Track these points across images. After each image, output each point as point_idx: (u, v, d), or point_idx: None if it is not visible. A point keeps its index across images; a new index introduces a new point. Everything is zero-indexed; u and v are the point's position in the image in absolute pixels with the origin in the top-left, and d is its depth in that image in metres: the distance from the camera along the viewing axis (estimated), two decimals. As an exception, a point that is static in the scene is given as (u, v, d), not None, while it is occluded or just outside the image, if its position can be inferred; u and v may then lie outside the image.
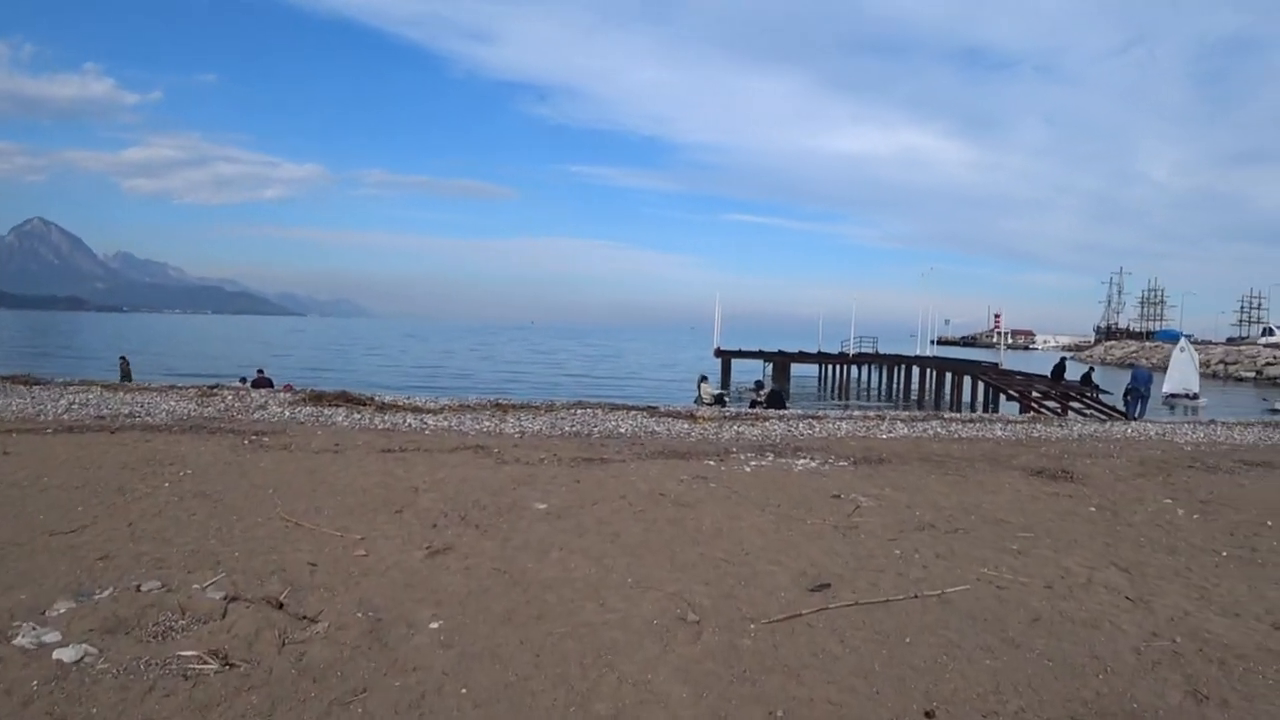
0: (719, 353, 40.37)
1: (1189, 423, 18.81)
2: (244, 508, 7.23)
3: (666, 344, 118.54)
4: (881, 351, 46.07)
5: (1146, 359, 66.57)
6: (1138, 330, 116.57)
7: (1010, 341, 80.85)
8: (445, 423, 13.81)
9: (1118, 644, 4.80)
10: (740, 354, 41.46)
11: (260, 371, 23.33)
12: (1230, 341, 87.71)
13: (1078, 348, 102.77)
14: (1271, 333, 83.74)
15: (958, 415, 18.88)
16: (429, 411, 14.99)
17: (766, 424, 15.04)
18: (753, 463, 10.62)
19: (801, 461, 10.81)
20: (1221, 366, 61.63)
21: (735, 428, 14.41)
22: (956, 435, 14.50)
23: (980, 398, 32.60)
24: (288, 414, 14.11)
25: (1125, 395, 24.95)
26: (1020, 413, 22.89)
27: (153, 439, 10.80)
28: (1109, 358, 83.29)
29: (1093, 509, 8.50)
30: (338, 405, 15.21)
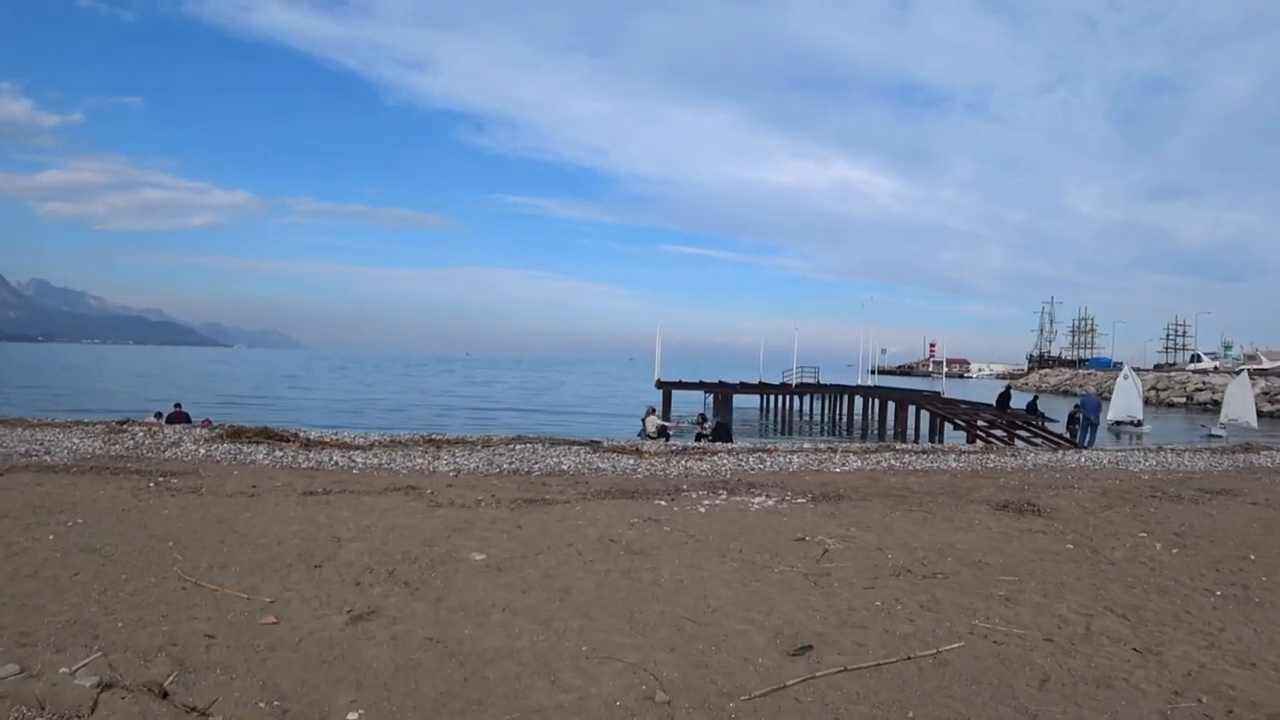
0: (660, 384, 39.69)
1: (1139, 450, 18.72)
2: (137, 565, 6.30)
3: (606, 375, 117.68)
4: (822, 382, 45.97)
5: (1080, 386, 68.20)
6: (1070, 358, 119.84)
7: (946, 370, 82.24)
8: (375, 460, 12.87)
9: (1140, 708, 4.26)
10: (681, 385, 40.87)
11: (177, 405, 21.85)
12: (1159, 368, 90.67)
13: (1011, 376, 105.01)
14: (1199, 359, 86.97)
15: (909, 446, 18.52)
16: (357, 448, 13.99)
17: (715, 458, 14.41)
18: (706, 502, 9.96)
19: (758, 499, 10.19)
20: (1153, 393, 63.33)
21: (683, 463, 13.75)
22: (911, 467, 14.09)
23: (925, 427, 32.49)
24: (203, 452, 13.02)
25: (1069, 423, 25.03)
26: (968, 442, 22.66)
27: (45, 482, 9.72)
28: (1044, 385, 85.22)
29: (1070, 546, 8.04)
30: (258, 442, 14.12)
